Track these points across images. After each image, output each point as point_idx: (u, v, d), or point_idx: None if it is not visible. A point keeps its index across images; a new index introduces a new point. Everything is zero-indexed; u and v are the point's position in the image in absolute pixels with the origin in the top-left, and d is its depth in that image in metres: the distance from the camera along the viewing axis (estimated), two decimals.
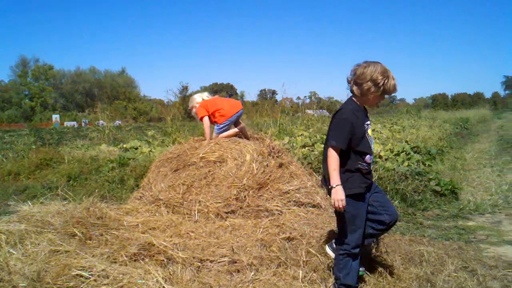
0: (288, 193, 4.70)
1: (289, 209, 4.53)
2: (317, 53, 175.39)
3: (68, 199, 7.13)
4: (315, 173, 6.34)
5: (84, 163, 8.88)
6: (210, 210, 4.48)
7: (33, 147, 10.96)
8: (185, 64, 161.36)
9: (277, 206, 4.56)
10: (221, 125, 5.69)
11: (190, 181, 4.84)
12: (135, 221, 4.24)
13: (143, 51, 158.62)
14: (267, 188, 4.69)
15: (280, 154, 5.28)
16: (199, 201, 4.57)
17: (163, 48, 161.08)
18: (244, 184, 4.60)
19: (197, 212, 4.50)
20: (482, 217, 5.80)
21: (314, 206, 4.68)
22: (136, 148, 10.92)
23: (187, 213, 4.52)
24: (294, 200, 4.67)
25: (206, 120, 5.70)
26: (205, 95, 6.11)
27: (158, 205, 4.76)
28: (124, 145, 11.31)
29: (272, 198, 4.61)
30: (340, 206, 2.97)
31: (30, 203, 4.96)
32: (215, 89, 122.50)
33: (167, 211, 4.62)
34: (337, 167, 3.01)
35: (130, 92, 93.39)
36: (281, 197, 4.65)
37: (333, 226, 4.00)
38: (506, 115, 43.59)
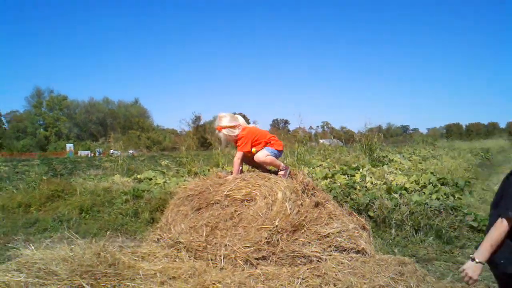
0: (328, 236, 4.11)
1: (330, 256, 3.96)
2: (329, 83, 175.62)
3: (78, 233, 6.86)
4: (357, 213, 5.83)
5: (96, 194, 8.54)
6: (238, 255, 3.93)
7: (45, 178, 10.65)
8: (198, 94, 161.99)
9: (316, 252, 3.98)
10: (275, 150, 5.12)
11: (214, 222, 4.28)
12: (153, 269, 3.72)
13: (156, 82, 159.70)
14: (303, 231, 4.12)
15: (315, 191, 4.71)
16: (225, 245, 4.02)
17: (175, 78, 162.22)
18: (277, 226, 4.03)
19: (223, 258, 3.95)
20: None
21: (358, 252, 4.11)
22: (150, 179, 10.59)
23: (211, 259, 3.98)
24: (335, 245, 4.09)
25: (240, 154, 5.05)
26: (241, 120, 5.30)
27: (178, 249, 4.21)
28: (138, 176, 10.98)
29: (309, 243, 4.03)
30: (469, 283, 2.55)
31: (32, 247, 4.39)
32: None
33: (188, 256, 4.07)
34: (497, 242, 2.56)
35: (143, 122, 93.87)
36: (320, 242, 4.07)
37: (382, 275, 3.56)
38: None
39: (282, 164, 5.10)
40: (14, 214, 8.27)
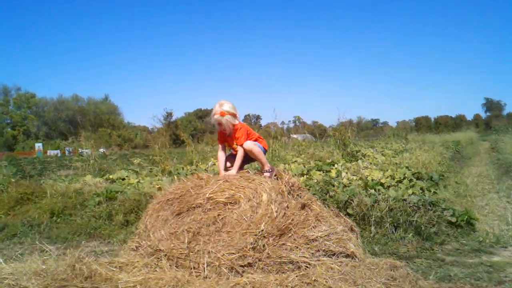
0: (316, 240, 3.90)
1: (319, 261, 3.75)
2: (300, 77, 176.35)
3: (50, 238, 6.64)
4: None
5: (68, 197, 8.27)
6: (222, 262, 3.71)
7: (13, 180, 10.31)
8: (168, 90, 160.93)
9: (304, 257, 3.77)
10: (263, 147, 5.04)
11: (196, 227, 4.04)
12: (132, 281, 3.48)
13: (126, 78, 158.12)
14: (290, 235, 3.90)
15: (300, 192, 4.49)
16: (209, 252, 3.80)
17: (145, 74, 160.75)
18: (262, 230, 3.82)
19: (207, 266, 3.74)
20: (506, 250, 5.34)
21: (347, 256, 3.93)
22: (123, 179, 10.34)
23: (194, 267, 3.76)
24: (324, 250, 3.89)
25: (250, 144, 4.93)
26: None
27: (158, 258, 3.96)
28: (111, 176, 10.72)
29: (297, 247, 3.82)
30: None
31: (1, 260, 4.10)
32: (200, 115, 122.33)
33: (169, 265, 3.83)
34: None
35: (114, 119, 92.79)
36: (308, 246, 3.86)
37: (374, 281, 3.46)
38: (491, 137, 43.68)
39: (268, 164, 5.00)
40: None
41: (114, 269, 3.83)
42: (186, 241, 3.94)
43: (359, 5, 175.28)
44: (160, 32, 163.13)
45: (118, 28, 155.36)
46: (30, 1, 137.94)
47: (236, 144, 5.02)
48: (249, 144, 4.90)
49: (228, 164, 5.32)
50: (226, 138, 5.23)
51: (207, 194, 4.34)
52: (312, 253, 3.84)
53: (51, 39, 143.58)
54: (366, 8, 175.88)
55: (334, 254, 3.93)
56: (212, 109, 5.03)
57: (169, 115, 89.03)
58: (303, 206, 4.23)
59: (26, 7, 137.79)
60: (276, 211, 3.97)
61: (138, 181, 9.70)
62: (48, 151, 65.77)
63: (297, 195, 4.40)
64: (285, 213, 4.02)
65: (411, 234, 5.78)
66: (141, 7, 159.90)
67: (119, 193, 7.95)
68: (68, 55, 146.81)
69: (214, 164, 12.67)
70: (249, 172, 4.73)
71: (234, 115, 4.99)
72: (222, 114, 4.90)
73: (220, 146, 5.39)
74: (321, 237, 3.95)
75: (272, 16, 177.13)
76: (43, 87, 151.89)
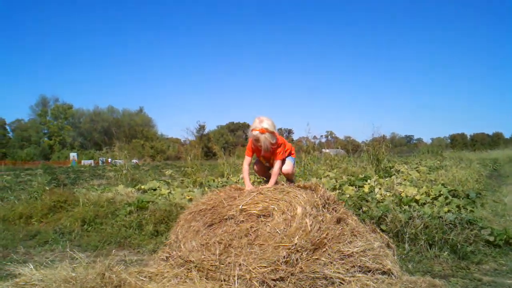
0: (352, 256, 3.76)
1: (354, 277, 3.62)
2: (332, 92, 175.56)
3: (80, 246, 6.67)
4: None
5: (99, 206, 8.32)
6: (253, 276, 3.58)
7: (47, 188, 10.45)
8: (202, 103, 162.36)
9: (338, 272, 3.63)
10: (294, 158, 5.12)
11: (228, 239, 3.96)
12: None
13: (161, 90, 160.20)
14: (325, 249, 3.75)
15: (336, 206, 4.37)
16: (240, 265, 3.68)
17: (180, 87, 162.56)
18: (296, 244, 3.67)
19: (237, 279, 3.62)
20: None
21: (384, 273, 3.79)
22: (155, 190, 10.38)
23: (224, 280, 3.66)
24: (359, 265, 3.74)
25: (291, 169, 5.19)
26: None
27: (188, 269, 3.87)
28: (142, 186, 10.77)
29: (331, 263, 3.67)
30: None
31: (32, 266, 4.10)
32: (232, 128, 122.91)
33: (199, 277, 3.73)
34: None
35: (147, 131, 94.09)
36: (343, 261, 3.72)
37: None
38: None
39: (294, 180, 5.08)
40: (15, 225, 8.07)
41: (144, 279, 3.79)
42: (217, 253, 3.86)
43: (393, 21, 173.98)
44: (195, 48, 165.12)
45: (154, 42, 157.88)
46: (69, 13, 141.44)
47: (273, 160, 5.07)
48: (288, 169, 5.06)
49: (256, 168, 5.31)
50: (259, 152, 5.23)
51: (240, 206, 4.28)
52: (347, 269, 3.72)
53: (89, 52, 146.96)
54: (401, 25, 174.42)
55: (370, 271, 3.80)
56: (250, 125, 5.07)
57: (202, 127, 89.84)
58: (339, 221, 4.08)
59: (64, 18, 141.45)
60: (311, 225, 3.85)
61: (169, 192, 9.71)
62: (82, 161, 67.01)
63: (333, 209, 4.25)
64: (319, 227, 3.90)
65: (446, 252, 5.59)
66: (177, 24, 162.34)
67: (150, 203, 7.96)
68: (105, 68, 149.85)
69: None
70: (283, 185, 4.66)
71: (273, 133, 5.00)
72: (262, 131, 4.92)
73: (247, 158, 5.39)
74: (356, 252, 3.82)
75: (306, 31, 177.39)
76: (80, 98, 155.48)
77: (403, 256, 5.59)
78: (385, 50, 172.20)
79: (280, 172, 5.32)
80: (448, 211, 7.37)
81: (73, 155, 70.54)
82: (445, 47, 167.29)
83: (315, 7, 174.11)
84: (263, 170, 5.33)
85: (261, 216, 4.15)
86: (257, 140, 5.03)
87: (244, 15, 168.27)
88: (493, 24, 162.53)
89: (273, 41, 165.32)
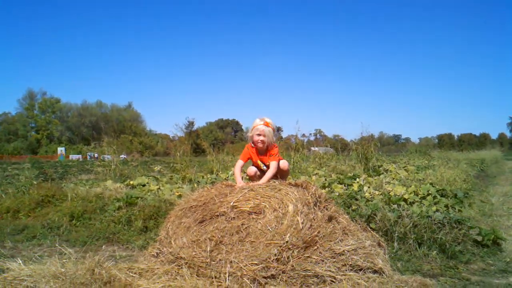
0: (343, 254, 3.74)
1: (345, 276, 3.59)
2: (321, 91, 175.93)
3: (69, 241, 6.62)
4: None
5: (88, 201, 8.27)
6: (245, 273, 3.56)
7: (35, 182, 10.37)
8: (191, 99, 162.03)
9: (330, 271, 3.61)
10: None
11: (219, 236, 3.93)
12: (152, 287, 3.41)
13: (149, 86, 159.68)
14: (316, 247, 3.73)
15: (327, 204, 4.35)
16: (231, 262, 3.66)
17: (169, 83, 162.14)
18: (287, 241, 3.66)
19: (228, 276, 3.61)
20: None
21: (375, 271, 3.77)
22: (144, 185, 10.35)
23: (215, 276, 3.63)
24: (351, 264, 3.72)
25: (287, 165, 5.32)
26: None
27: (179, 265, 3.84)
28: (131, 182, 10.73)
29: (323, 261, 3.65)
30: None
31: (20, 261, 4.04)
32: (221, 125, 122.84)
33: (190, 273, 3.69)
34: None
35: (136, 126, 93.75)
36: (334, 260, 3.70)
37: None
38: None
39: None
40: (2, 220, 8.00)
41: (134, 275, 3.76)
42: (208, 250, 3.83)
43: (383, 23, 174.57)
44: (184, 42, 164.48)
45: (143, 37, 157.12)
46: (57, 6, 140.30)
47: (269, 161, 5.16)
48: (286, 165, 5.11)
49: (250, 173, 5.37)
50: (255, 154, 5.31)
51: (232, 203, 4.26)
52: (338, 267, 3.71)
53: (78, 45, 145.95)
54: (391, 27, 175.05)
55: (361, 269, 3.79)
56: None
57: (191, 124, 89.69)
58: (330, 219, 4.08)
59: (53, 15, 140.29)
60: (302, 223, 3.83)
61: (158, 188, 9.69)
62: (70, 156, 66.64)
63: (324, 207, 4.24)
64: (311, 225, 3.88)
65: (435, 251, 5.62)
66: (166, 18, 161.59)
67: (139, 199, 7.93)
68: (93, 62, 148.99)
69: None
70: (275, 182, 4.67)
71: (274, 130, 5.25)
72: (266, 124, 5.13)
73: (240, 162, 5.49)
74: (348, 251, 3.81)
75: (296, 30, 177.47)
76: (68, 92, 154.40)
77: (392, 255, 5.61)
78: (374, 50, 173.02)
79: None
80: (437, 210, 7.43)
81: (61, 150, 70.18)
82: (433, 48, 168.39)
83: (303, 6, 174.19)
84: (257, 176, 5.40)
85: (253, 213, 4.14)
86: (260, 134, 5.17)
87: (232, 12, 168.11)
88: (480, 27, 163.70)
89: (263, 39, 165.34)
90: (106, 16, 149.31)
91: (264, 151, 5.34)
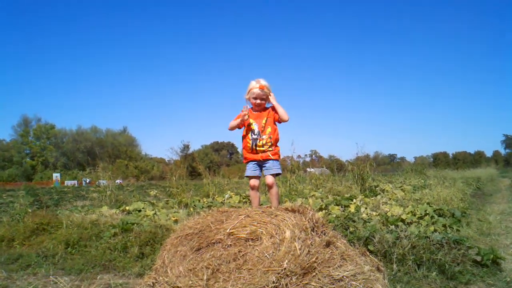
0: (342, 280, 3.63)
1: None
2: (316, 111, 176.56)
3: (64, 269, 6.54)
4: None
5: (83, 228, 8.19)
6: None
7: (30, 210, 10.29)
8: (186, 123, 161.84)
9: None
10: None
11: (216, 264, 3.82)
12: None
13: (144, 111, 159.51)
14: (314, 274, 3.63)
15: (324, 229, 4.25)
16: None
17: (163, 107, 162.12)
18: (285, 268, 3.55)
19: None
20: None
21: None
22: (140, 211, 10.28)
23: None
24: None
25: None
26: None
27: None
28: (127, 207, 10.66)
29: (322, 287, 3.54)
30: None
31: None
32: (216, 148, 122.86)
33: None
34: None
35: (131, 150, 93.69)
36: (333, 286, 3.59)
37: None
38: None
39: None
40: None
41: None
42: (205, 278, 3.73)
43: (375, 43, 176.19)
44: (178, 67, 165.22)
45: (137, 61, 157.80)
46: (50, 31, 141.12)
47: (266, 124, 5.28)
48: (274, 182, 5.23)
49: (251, 183, 5.32)
50: (250, 113, 5.33)
51: (228, 230, 4.18)
52: None
53: (72, 71, 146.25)
54: (381, 43, 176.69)
55: None
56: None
57: (186, 147, 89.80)
58: (328, 244, 3.96)
59: (46, 41, 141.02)
60: (300, 249, 3.75)
61: (154, 213, 9.63)
62: (66, 182, 66.32)
63: (321, 232, 4.16)
64: (309, 251, 3.79)
65: (434, 272, 5.58)
66: (159, 43, 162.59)
67: (135, 225, 7.87)
68: (88, 87, 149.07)
69: (231, 197, 12.57)
70: (271, 208, 4.60)
71: (269, 89, 5.28)
72: (262, 87, 5.18)
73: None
74: (347, 276, 3.71)
75: (287, 47, 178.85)
76: (62, 118, 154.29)
77: (392, 277, 5.57)
78: (367, 68, 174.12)
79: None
80: (435, 230, 7.40)
81: (56, 176, 69.88)
82: (427, 67, 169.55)
83: (292, 20, 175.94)
84: (258, 185, 5.32)
85: (249, 240, 4.06)
86: (256, 97, 5.26)
87: (224, 33, 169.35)
88: (472, 46, 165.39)
89: (255, 58, 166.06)
90: (100, 41, 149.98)
91: (259, 110, 5.37)
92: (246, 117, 5.21)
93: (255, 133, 5.24)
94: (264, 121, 5.24)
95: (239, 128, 5.37)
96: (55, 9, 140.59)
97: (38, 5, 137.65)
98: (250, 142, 5.24)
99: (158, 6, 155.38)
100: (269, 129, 5.24)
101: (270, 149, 5.22)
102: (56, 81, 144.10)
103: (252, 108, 5.37)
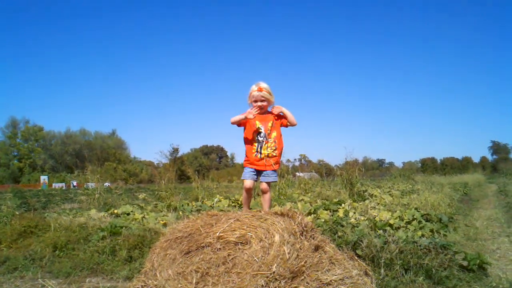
0: (330, 284, 3.66)
1: None
2: (304, 115, 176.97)
3: (52, 272, 6.50)
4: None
5: (71, 231, 8.15)
6: None
7: (17, 213, 10.23)
8: (175, 126, 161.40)
9: None
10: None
11: (205, 267, 3.83)
12: None
13: (133, 114, 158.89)
14: (303, 277, 3.67)
15: (313, 233, 4.29)
16: None
17: (153, 110, 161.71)
18: (274, 272, 3.58)
19: None
20: None
21: None
22: (128, 214, 10.24)
23: None
24: None
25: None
26: None
27: None
28: (115, 211, 10.62)
29: None
30: None
31: None
32: (206, 151, 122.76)
33: None
34: None
35: (120, 153, 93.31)
36: None
37: None
38: (500, 180, 43.36)
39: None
40: None
41: None
42: (194, 282, 3.73)
43: (363, 47, 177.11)
44: (167, 70, 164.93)
45: (126, 63, 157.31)
46: (39, 33, 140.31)
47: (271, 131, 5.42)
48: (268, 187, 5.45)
49: (246, 185, 5.37)
50: (255, 119, 5.39)
51: (217, 233, 4.20)
52: None
53: (61, 73, 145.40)
54: (371, 50, 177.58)
55: None
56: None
57: (175, 150, 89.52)
58: (317, 248, 4.01)
59: (35, 42, 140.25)
60: (289, 253, 3.78)
61: (143, 216, 9.60)
62: (53, 184, 65.84)
63: (310, 236, 4.19)
64: (298, 255, 3.83)
65: (421, 277, 5.61)
66: (148, 45, 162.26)
67: (123, 228, 7.84)
68: (77, 90, 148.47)
69: (220, 201, 12.58)
70: (261, 212, 4.62)
71: (270, 94, 5.39)
72: (260, 89, 5.27)
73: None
74: (335, 280, 3.74)
75: (276, 52, 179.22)
76: (51, 120, 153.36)
77: (379, 282, 5.59)
78: (357, 73, 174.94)
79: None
80: (422, 235, 7.47)
81: (43, 178, 69.31)
82: (416, 73, 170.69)
83: (279, 22, 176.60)
84: (253, 187, 5.41)
85: (239, 243, 4.08)
86: (256, 100, 5.34)
87: (214, 36, 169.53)
88: (460, 52, 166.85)
89: (244, 63, 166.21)
90: (89, 43, 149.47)
91: (264, 113, 5.46)
92: (251, 116, 5.29)
93: (262, 135, 5.37)
94: (270, 124, 5.36)
95: (239, 126, 5.48)
96: (44, 9, 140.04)
97: (26, 5, 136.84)
98: (256, 145, 5.36)
99: (146, 7, 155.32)
100: (274, 134, 5.39)
101: (274, 154, 5.34)
102: (45, 83, 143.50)
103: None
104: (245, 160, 5.60)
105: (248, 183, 5.42)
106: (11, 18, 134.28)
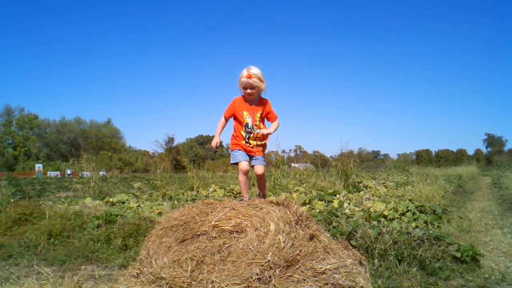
0: (325, 273, 3.67)
1: None
2: (300, 107, 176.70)
3: (46, 260, 6.51)
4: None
5: (66, 219, 8.16)
6: None
7: (12, 200, 10.21)
8: (171, 115, 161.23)
9: None
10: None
11: (201, 255, 3.85)
12: None
13: (129, 102, 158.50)
14: (298, 266, 3.69)
15: (308, 222, 4.28)
16: (212, 282, 3.55)
17: (148, 99, 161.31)
18: (269, 261, 3.60)
19: None
20: None
21: None
22: (123, 203, 10.25)
23: None
24: (332, 283, 3.64)
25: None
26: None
27: (160, 286, 3.74)
28: (111, 199, 10.62)
29: (305, 280, 3.59)
30: None
31: None
32: (201, 141, 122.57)
33: None
34: None
35: (115, 142, 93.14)
36: (316, 279, 3.63)
37: None
38: (493, 172, 43.54)
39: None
40: None
41: None
42: (189, 270, 3.74)
43: (361, 40, 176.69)
44: (164, 58, 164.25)
45: (122, 52, 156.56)
46: (34, 21, 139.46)
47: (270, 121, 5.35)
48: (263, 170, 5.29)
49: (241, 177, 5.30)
50: (242, 103, 5.27)
51: (213, 222, 4.19)
52: (320, 286, 3.65)
53: (56, 61, 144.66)
54: (369, 44, 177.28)
55: None
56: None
57: (171, 140, 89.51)
58: (311, 237, 4.03)
59: (30, 31, 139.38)
60: (284, 242, 3.79)
61: (138, 205, 9.61)
62: (48, 172, 65.83)
63: (305, 225, 4.19)
64: (293, 244, 3.84)
65: (415, 268, 5.66)
66: (146, 32, 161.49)
67: (118, 216, 7.85)
68: (72, 78, 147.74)
69: (215, 191, 12.59)
70: (256, 201, 4.62)
71: (261, 80, 5.11)
72: (250, 76, 5.02)
73: (222, 120, 5.48)
74: (329, 270, 3.76)
75: (274, 44, 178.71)
76: (46, 108, 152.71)
77: (373, 272, 5.63)
78: (352, 65, 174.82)
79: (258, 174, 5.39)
80: (416, 226, 7.50)
81: (38, 166, 69.27)
82: (411, 65, 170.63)
83: (282, 20, 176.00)
84: (249, 169, 5.31)
85: (234, 232, 4.08)
86: (246, 87, 5.14)
87: (212, 27, 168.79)
88: (455, 47, 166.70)
89: (242, 54, 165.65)
90: (85, 32, 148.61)
91: (254, 101, 5.27)
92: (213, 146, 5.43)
93: (249, 127, 5.22)
94: (258, 115, 5.22)
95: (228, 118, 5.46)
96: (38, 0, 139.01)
97: None
98: (244, 135, 5.24)
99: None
100: (262, 126, 5.26)
101: (261, 142, 5.26)
102: (40, 71, 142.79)
103: (244, 97, 5.30)
104: (233, 144, 5.45)
105: (244, 164, 5.20)
106: (6, 7, 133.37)
